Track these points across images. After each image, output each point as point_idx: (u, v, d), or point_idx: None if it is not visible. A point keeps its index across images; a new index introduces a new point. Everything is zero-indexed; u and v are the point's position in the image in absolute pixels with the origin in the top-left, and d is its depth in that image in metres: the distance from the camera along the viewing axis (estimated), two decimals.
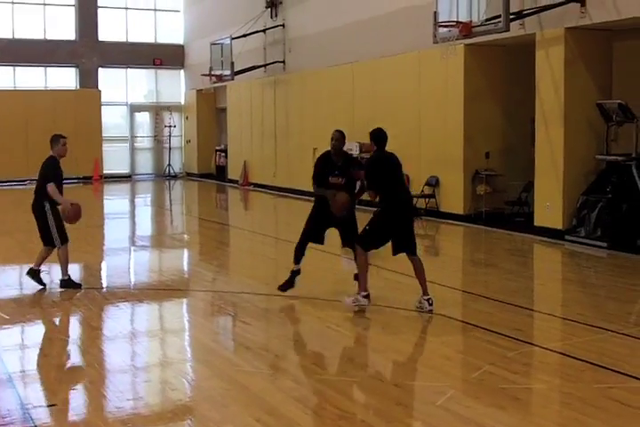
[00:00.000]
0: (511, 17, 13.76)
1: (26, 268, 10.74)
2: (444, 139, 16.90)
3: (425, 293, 8.93)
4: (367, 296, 8.95)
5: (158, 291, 10.67)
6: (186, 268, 13.27)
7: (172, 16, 32.53)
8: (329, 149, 9.61)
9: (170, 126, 31.32)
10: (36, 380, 6.99)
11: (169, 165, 31.48)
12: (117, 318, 9.11)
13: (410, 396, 6.38)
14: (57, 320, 9.28)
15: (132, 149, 31.63)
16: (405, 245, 9.00)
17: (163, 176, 31.45)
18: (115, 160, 31.19)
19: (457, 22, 14.57)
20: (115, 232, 17.66)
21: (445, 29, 14.94)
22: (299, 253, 9.72)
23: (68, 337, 8.51)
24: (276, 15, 24.47)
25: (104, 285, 11.24)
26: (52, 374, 7.08)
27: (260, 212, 21.98)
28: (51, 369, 7.24)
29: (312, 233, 9.68)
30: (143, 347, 8.15)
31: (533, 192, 15.00)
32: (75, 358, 7.74)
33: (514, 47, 15.99)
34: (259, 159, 25.75)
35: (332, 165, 9.48)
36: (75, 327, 9.02)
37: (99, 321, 9.14)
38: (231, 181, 28.06)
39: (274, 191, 24.23)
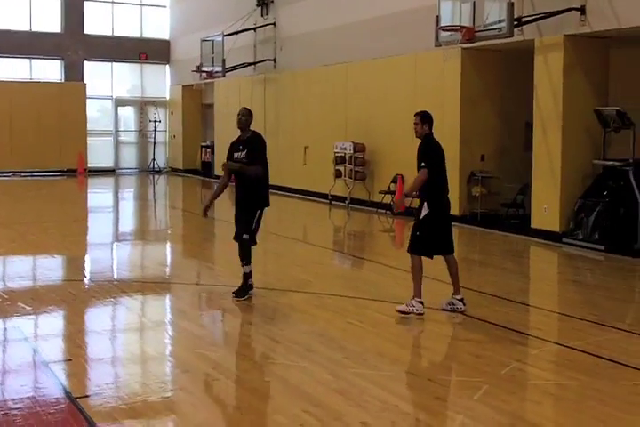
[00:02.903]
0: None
1: (33, 258, 10.85)
2: (439, 140, 16.97)
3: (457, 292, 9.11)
4: (422, 302, 8.82)
5: (171, 284, 10.88)
6: (185, 261, 13.40)
7: (159, 11, 32.67)
8: None
9: (155, 121, 31.40)
10: (75, 370, 7.09)
11: (153, 159, 31.55)
12: (135, 310, 9.26)
13: (446, 390, 6.58)
14: (81, 311, 9.38)
15: (117, 143, 31.73)
16: (451, 243, 9.14)
17: (147, 171, 31.56)
18: (99, 154, 31.28)
19: (460, 27, 14.81)
20: (100, 226, 17.83)
21: (447, 33, 15.18)
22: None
23: (96, 327, 8.66)
24: (267, 13, 24.60)
25: (109, 278, 11.38)
26: (88, 364, 7.21)
27: None
28: (86, 359, 7.36)
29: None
30: (175, 338, 8.30)
31: (529, 195, 15.28)
32: (109, 348, 7.87)
33: (511, 52, 16.22)
34: None
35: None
36: (97, 318, 9.13)
37: (119, 312, 9.34)
38: (217, 177, 28.07)
39: None
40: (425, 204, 8.87)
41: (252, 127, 9.84)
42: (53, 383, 6.60)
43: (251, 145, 9.57)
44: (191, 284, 10.87)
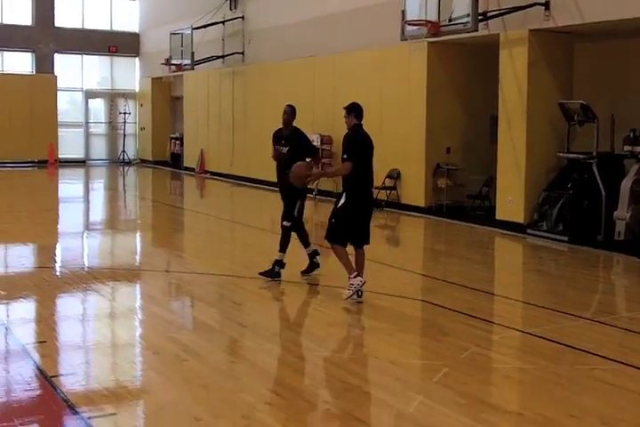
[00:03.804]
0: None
1: (5, 246, 10.96)
2: (406, 133, 17.32)
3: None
4: (357, 275, 8.95)
5: (141, 271, 11.05)
6: (155, 250, 13.52)
7: (128, 4, 32.68)
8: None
9: (124, 113, 31.47)
10: (48, 351, 7.21)
11: (123, 151, 31.65)
12: (106, 295, 9.42)
13: (407, 372, 6.77)
14: (54, 297, 9.52)
15: (87, 135, 31.91)
16: (366, 236, 9.22)
17: (117, 162, 31.72)
18: (70, 145, 31.35)
19: (426, 21, 14.98)
20: (71, 215, 17.93)
21: (413, 28, 15.35)
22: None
23: (69, 312, 8.85)
24: (236, 7, 24.70)
25: (81, 265, 11.50)
26: (62, 346, 7.35)
27: (218, 198, 22.31)
28: (59, 341, 7.51)
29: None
30: (146, 323, 8.47)
31: (494, 187, 15.52)
32: (81, 331, 8.04)
33: (477, 46, 16.45)
34: (216, 148, 26.00)
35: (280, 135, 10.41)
36: (70, 303, 9.30)
37: (91, 297, 9.46)
38: (187, 168, 28.28)
39: (231, 180, 24.51)
40: (344, 194, 9.01)
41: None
42: (28, 363, 6.74)
43: (292, 140, 10.15)
44: (161, 271, 11.06)
